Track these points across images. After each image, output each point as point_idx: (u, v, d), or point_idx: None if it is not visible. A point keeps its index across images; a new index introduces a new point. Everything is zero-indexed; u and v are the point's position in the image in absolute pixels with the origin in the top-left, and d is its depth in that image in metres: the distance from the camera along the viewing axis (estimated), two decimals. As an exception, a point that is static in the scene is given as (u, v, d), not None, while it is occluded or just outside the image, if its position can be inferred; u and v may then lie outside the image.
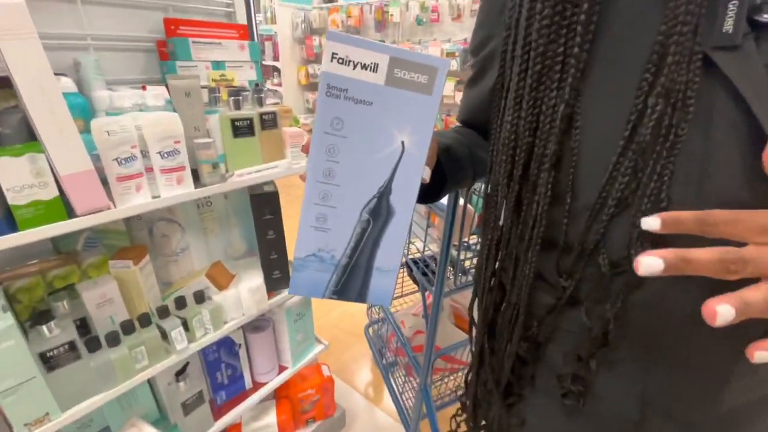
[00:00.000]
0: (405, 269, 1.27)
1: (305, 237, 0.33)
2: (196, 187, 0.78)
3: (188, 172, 0.76)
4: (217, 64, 0.97)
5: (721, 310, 0.21)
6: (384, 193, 0.33)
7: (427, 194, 0.47)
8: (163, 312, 0.82)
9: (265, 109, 0.90)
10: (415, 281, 1.38)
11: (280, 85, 4.47)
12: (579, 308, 0.35)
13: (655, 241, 0.28)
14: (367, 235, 0.34)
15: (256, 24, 4.37)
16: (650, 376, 0.35)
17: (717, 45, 0.26)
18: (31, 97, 0.54)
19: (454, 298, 1.34)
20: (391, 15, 3.43)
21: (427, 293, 1.18)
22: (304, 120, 4.40)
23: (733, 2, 0.26)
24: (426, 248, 1.14)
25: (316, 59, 4.24)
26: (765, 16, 0.26)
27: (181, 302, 0.85)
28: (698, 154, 0.27)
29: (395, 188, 0.32)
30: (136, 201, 0.69)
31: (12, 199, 0.57)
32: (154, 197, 0.73)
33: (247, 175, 0.86)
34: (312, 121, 4.49)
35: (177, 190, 0.74)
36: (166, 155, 0.71)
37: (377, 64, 0.29)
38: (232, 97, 0.84)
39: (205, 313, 0.87)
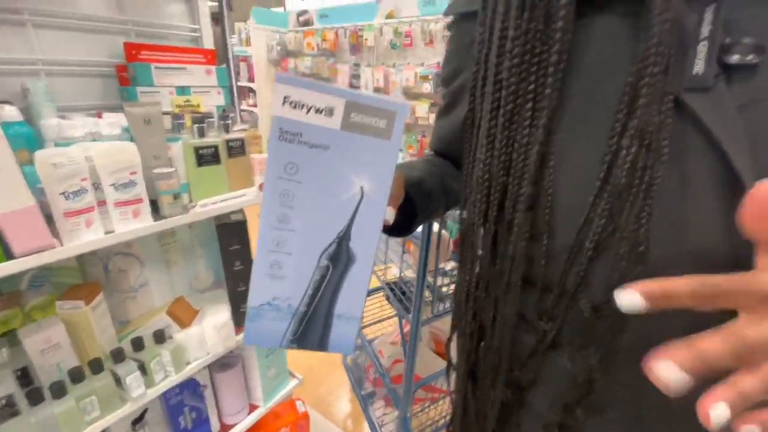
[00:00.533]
0: (384, 293, 1.24)
1: (259, 285, 0.30)
2: (155, 220, 0.73)
3: (146, 204, 0.71)
4: (182, 90, 0.93)
5: (714, 414, 0.18)
6: (343, 239, 0.30)
7: (398, 229, 0.45)
8: (118, 355, 0.76)
9: (231, 135, 0.87)
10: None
11: (255, 105, 4.44)
12: (562, 352, 0.33)
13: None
14: (327, 282, 0.31)
15: (230, 46, 4.36)
16: (642, 428, 0.32)
17: (688, 87, 0.26)
18: (-39, 130, 0.49)
19: (434, 324, 1.31)
20: (366, 39, 3.48)
21: (404, 320, 1.14)
22: (280, 141, 4.36)
23: (703, 43, 0.26)
24: (402, 273, 1.12)
25: (292, 81, 4.25)
26: (735, 57, 0.25)
27: (138, 343, 0.78)
28: (675, 196, 0.26)
29: (355, 234, 0.30)
30: (86, 238, 0.64)
31: (-63, 241, 0.51)
32: (107, 232, 0.68)
33: (211, 205, 0.82)
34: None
35: (133, 224, 0.69)
36: (120, 187, 0.67)
37: (332, 108, 0.27)
38: (197, 125, 0.80)
39: (165, 354, 0.80)
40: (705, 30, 0.26)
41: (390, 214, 0.32)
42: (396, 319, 1.64)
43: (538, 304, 0.34)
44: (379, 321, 1.63)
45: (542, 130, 0.30)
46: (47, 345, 0.70)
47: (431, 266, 0.93)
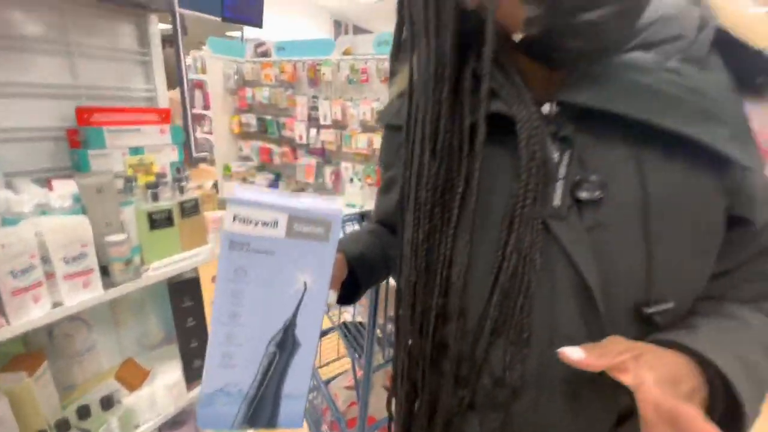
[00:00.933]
0: (339, 332, 1.28)
1: (211, 375, 0.35)
2: (105, 287, 0.74)
3: (96, 274, 0.72)
4: (135, 150, 0.95)
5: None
6: (289, 327, 0.36)
7: (344, 298, 0.51)
8: (63, 426, 0.74)
9: (186, 197, 0.90)
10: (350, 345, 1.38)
11: (210, 133, 4.37)
12: (476, 414, 0.41)
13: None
14: (274, 367, 0.36)
15: (186, 74, 4.32)
16: None
17: (550, 215, 0.35)
18: None
19: (388, 368, 1.36)
20: (324, 73, 3.58)
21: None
22: (236, 168, 4.32)
23: (561, 182, 0.35)
24: (355, 318, 1.17)
25: (250, 109, 4.25)
26: (583, 194, 0.35)
27: (84, 411, 0.77)
28: (547, 297, 0.35)
29: (300, 321, 0.35)
30: (33, 314, 0.64)
31: None
32: (55, 304, 0.68)
33: (164, 268, 0.84)
34: (245, 169, 4.41)
35: (83, 295, 0.70)
36: (71, 260, 0.68)
37: (277, 221, 0.32)
38: (150, 190, 0.83)
39: (113, 421, 0.80)
40: (562, 171, 0.36)
41: (332, 297, 0.38)
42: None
43: (455, 373, 0.42)
44: (336, 360, 1.66)
45: (451, 240, 0.38)
46: (-16, 422, 0.68)
47: (381, 315, 1.00)
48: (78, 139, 0.88)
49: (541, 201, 0.35)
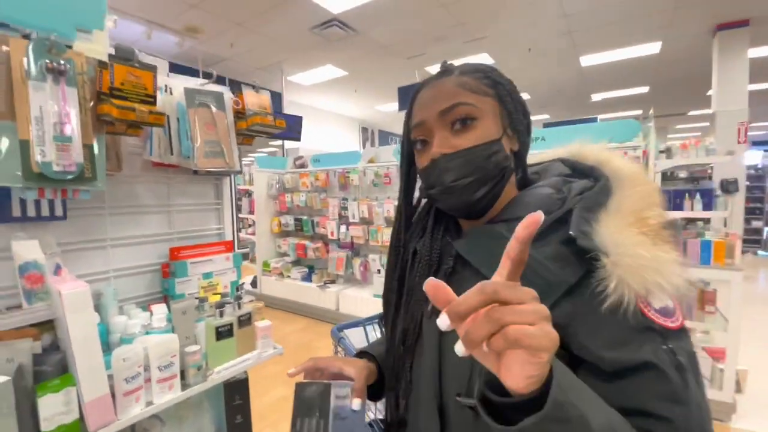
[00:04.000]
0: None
1: None
2: (182, 389, 0.97)
3: (178, 378, 0.96)
4: (207, 275, 1.26)
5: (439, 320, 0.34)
6: None
7: (373, 395, 0.71)
8: None
9: (243, 311, 1.16)
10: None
11: (254, 233, 4.89)
12: None
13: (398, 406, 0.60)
14: None
15: (235, 188, 5.00)
16: None
17: (425, 315, 0.58)
18: (80, 347, 0.77)
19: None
20: (352, 179, 4.08)
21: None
22: (275, 264, 4.71)
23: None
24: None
25: (288, 211, 4.78)
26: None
27: (154, 498, 0.95)
28: (430, 362, 0.56)
29: None
30: (134, 411, 0.87)
31: (44, 426, 0.75)
32: (148, 404, 0.91)
33: (224, 371, 1.06)
34: (282, 264, 4.75)
35: (168, 395, 0.93)
36: (163, 368, 0.93)
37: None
38: (218, 309, 1.10)
39: (175, 508, 0.96)
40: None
41: (357, 404, 0.60)
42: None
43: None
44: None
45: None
46: (83, 504, 0.87)
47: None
48: (169, 271, 1.19)
49: (429, 303, 0.55)
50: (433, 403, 0.54)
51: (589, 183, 0.53)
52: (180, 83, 1.03)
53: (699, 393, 0.41)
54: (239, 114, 1.13)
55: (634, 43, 5.18)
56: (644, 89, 7.50)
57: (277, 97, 6.14)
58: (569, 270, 0.45)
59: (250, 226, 5.12)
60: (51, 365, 0.80)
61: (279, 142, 7.06)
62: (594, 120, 8.31)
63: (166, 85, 1.03)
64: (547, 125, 7.52)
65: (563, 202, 0.51)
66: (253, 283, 4.88)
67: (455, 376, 0.52)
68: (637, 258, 0.41)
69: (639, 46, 5.27)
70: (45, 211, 0.94)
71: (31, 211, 0.91)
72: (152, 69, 0.90)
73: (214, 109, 1.06)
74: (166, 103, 1.02)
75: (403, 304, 0.63)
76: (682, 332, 0.43)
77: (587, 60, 5.85)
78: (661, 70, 6.24)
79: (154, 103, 0.91)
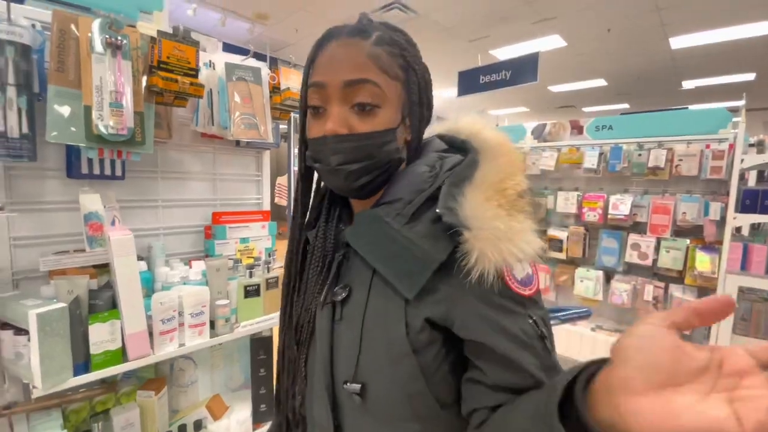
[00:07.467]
0: None
1: None
2: (211, 336, 1.08)
3: (207, 326, 1.07)
4: (244, 239, 1.36)
5: None
6: None
7: None
8: (168, 436, 1.05)
9: (271, 275, 1.25)
10: None
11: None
12: None
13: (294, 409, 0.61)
14: None
15: (293, 164, 5.21)
16: None
17: (317, 305, 0.56)
18: (124, 286, 0.90)
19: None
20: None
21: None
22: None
23: (327, 285, 0.56)
24: None
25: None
26: (335, 296, 0.53)
27: (182, 429, 1.08)
28: (322, 352, 0.54)
29: None
30: (168, 349, 0.99)
31: (93, 349, 0.88)
32: (180, 345, 1.03)
33: (250, 326, 1.16)
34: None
35: (198, 340, 1.05)
36: (195, 315, 1.04)
37: None
38: (249, 270, 1.20)
39: (200, 440, 1.08)
40: (331, 277, 0.56)
41: None
42: None
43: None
44: None
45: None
46: (126, 423, 1.01)
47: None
48: (211, 233, 1.31)
49: (321, 294, 0.55)
50: (326, 392, 0.53)
51: (459, 157, 0.53)
52: (222, 59, 1.11)
53: (555, 353, 0.46)
54: (275, 89, 1.20)
55: (737, 23, 4.49)
56: (750, 76, 6.49)
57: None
58: (439, 246, 0.46)
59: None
60: (103, 300, 0.94)
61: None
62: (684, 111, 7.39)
63: (210, 60, 1.12)
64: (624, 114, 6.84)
65: (435, 178, 0.51)
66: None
67: (345, 364, 0.52)
68: (493, 230, 0.43)
69: (745, 26, 4.56)
70: (107, 170, 1.08)
71: (96, 170, 1.06)
72: (195, 44, 0.99)
73: (251, 83, 1.14)
74: (210, 78, 1.11)
75: (297, 298, 0.61)
76: (538, 297, 0.47)
77: (678, 41, 5.19)
78: (773, 53, 5.36)
79: (196, 76, 1.00)
